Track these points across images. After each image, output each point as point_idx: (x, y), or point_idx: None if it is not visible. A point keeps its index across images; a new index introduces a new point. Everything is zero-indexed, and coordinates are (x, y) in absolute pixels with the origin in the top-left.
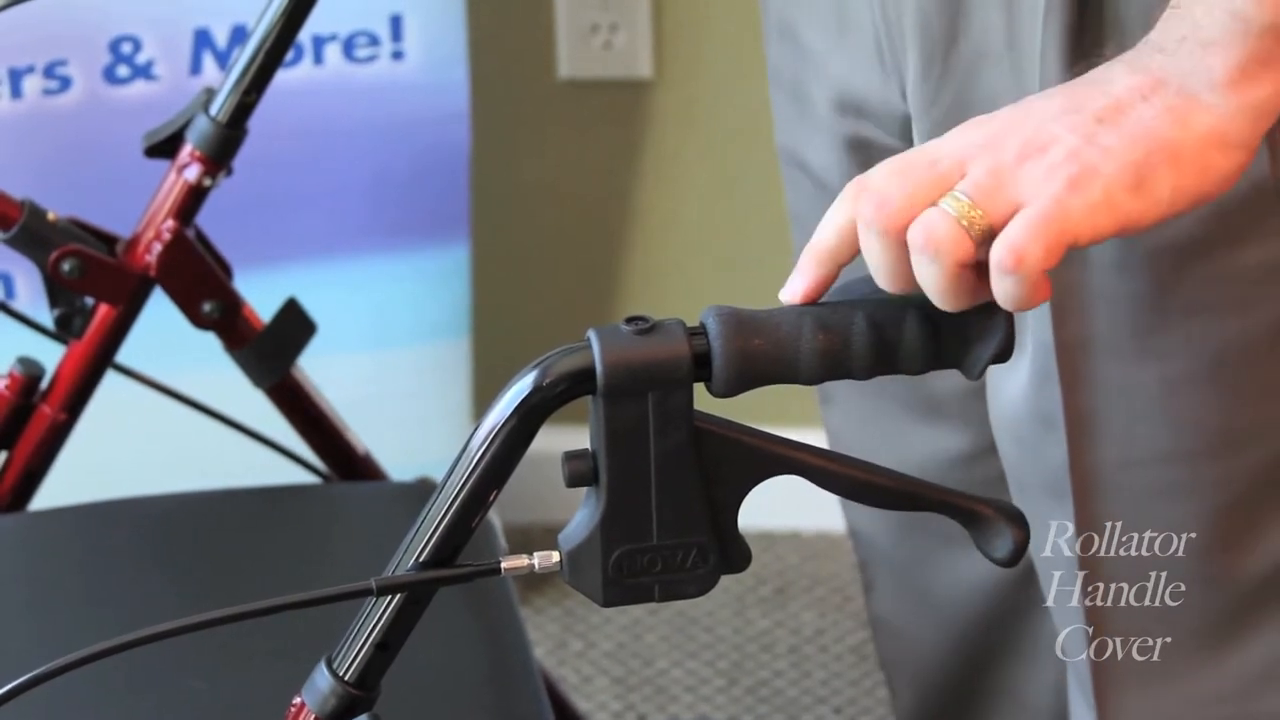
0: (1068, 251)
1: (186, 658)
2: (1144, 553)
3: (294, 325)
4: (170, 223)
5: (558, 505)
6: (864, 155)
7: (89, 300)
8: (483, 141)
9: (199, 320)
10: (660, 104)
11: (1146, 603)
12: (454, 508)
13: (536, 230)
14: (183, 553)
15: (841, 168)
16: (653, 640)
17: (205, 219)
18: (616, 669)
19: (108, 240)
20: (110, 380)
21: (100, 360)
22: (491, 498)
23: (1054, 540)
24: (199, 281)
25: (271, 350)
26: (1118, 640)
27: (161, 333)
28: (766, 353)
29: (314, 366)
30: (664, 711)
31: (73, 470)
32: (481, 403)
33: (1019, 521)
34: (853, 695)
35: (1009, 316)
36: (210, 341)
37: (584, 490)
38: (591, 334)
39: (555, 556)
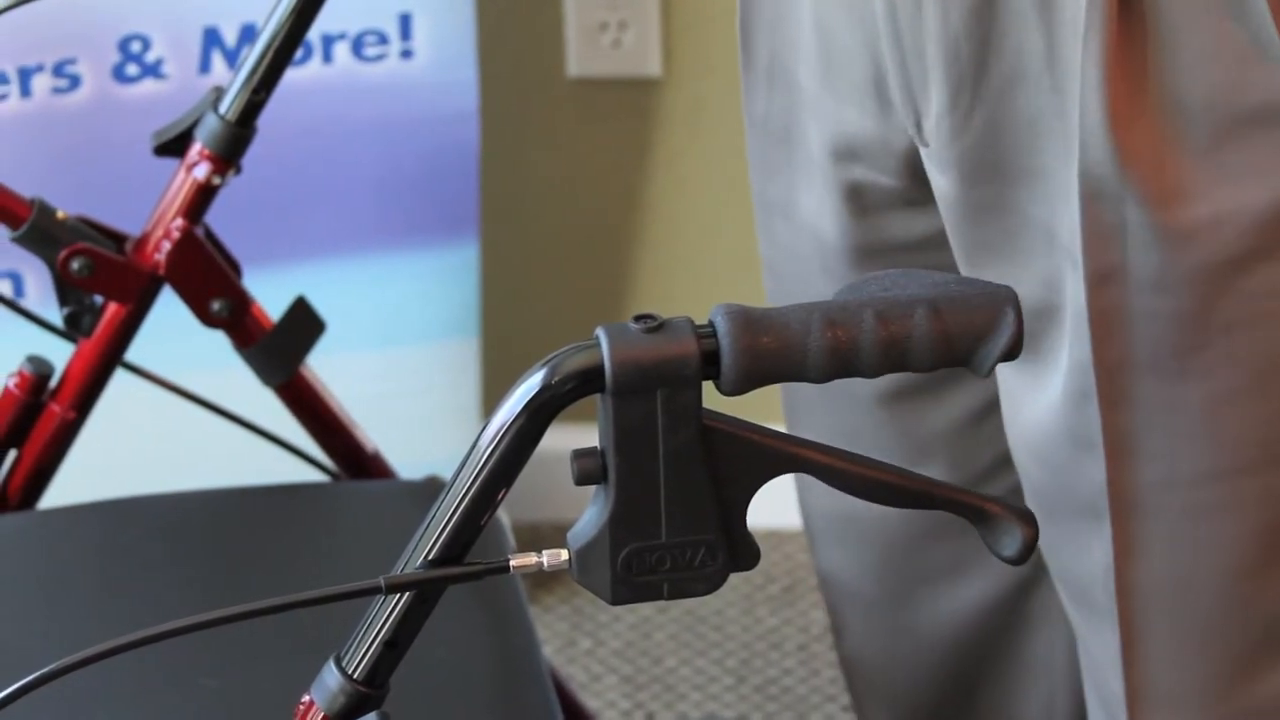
0: (1110, 272)
1: (196, 655)
2: (1182, 573)
3: (303, 324)
4: (179, 221)
5: (567, 503)
6: (859, 201)
7: (98, 299)
8: (492, 140)
9: (208, 319)
10: (669, 102)
11: (1184, 623)
12: (463, 506)
13: (545, 229)
14: (192, 551)
15: (837, 215)
16: (661, 638)
17: (214, 217)
18: (625, 667)
19: (117, 239)
20: (119, 379)
21: (109, 359)
22: (500, 496)
23: (1088, 562)
24: (208, 280)
25: (280, 349)
26: (1152, 661)
27: (171, 331)
28: (775, 351)
29: (323, 365)
30: (672, 709)
31: (82, 468)
32: (490, 401)
33: (1028, 520)
34: None
35: (1018, 313)
36: (219, 340)
37: (593, 488)
38: (600, 332)
39: (564, 555)
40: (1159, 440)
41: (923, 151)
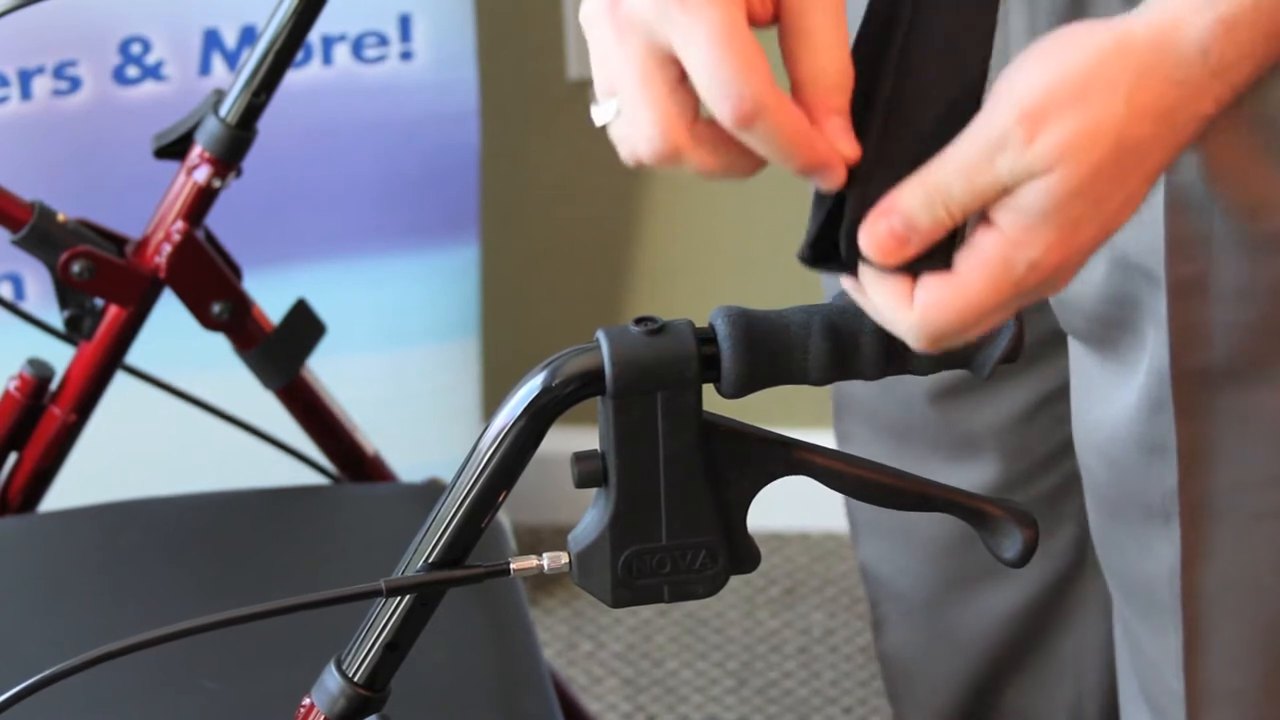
0: (1193, 283)
1: (197, 658)
2: (1249, 574)
3: (303, 326)
4: (180, 224)
5: (567, 506)
6: None
7: (99, 301)
8: (492, 142)
9: (208, 321)
10: None
11: (1248, 624)
12: (463, 508)
13: (546, 230)
14: (193, 554)
15: None
16: (662, 641)
17: (215, 220)
18: (626, 670)
19: (117, 241)
20: (120, 381)
21: (110, 361)
22: (501, 498)
23: (1152, 562)
24: (208, 283)
25: (281, 351)
26: (1214, 661)
27: (171, 334)
28: (775, 353)
29: (324, 367)
30: (673, 712)
31: (83, 471)
32: (491, 403)
33: (1028, 522)
34: (862, 695)
35: (1019, 317)
36: (220, 343)
37: (593, 491)
38: (601, 334)
39: (564, 557)
40: (1232, 445)
41: None
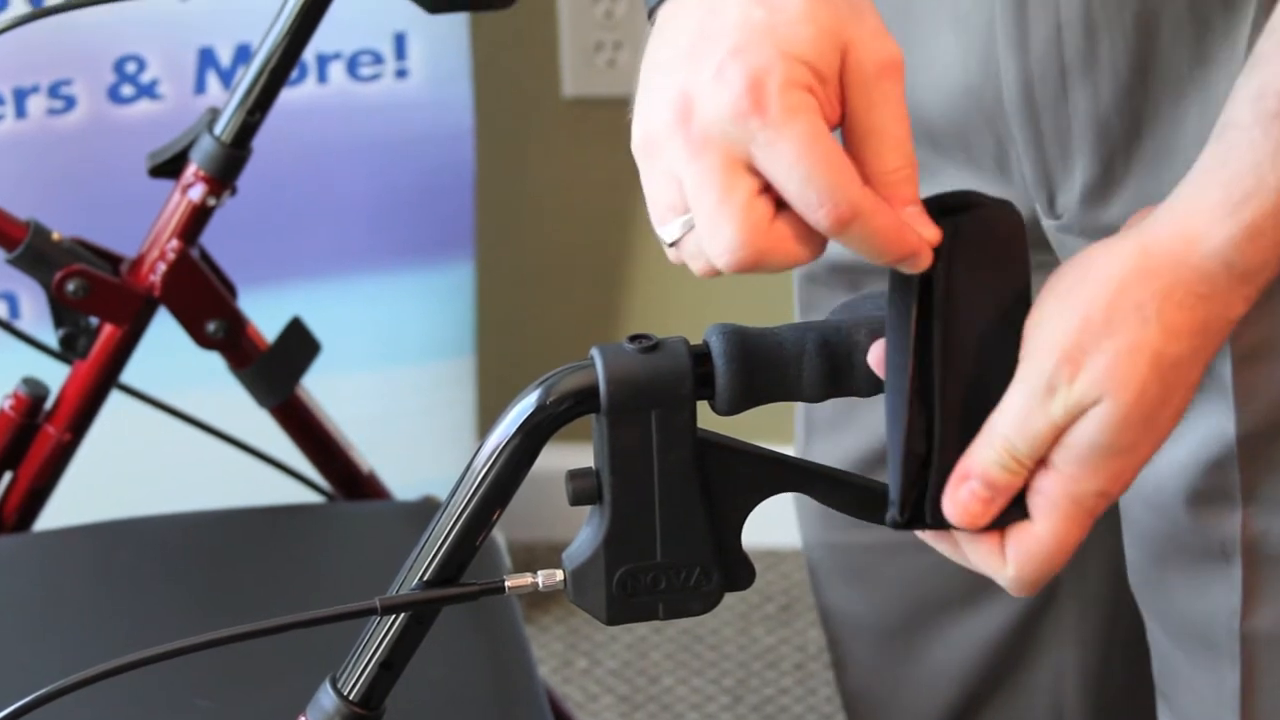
0: (1255, 347)
1: (192, 676)
2: None
3: (298, 344)
4: (175, 242)
5: (563, 523)
6: None
7: (94, 320)
8: (487, 159)
9: (203, 340)
10: None
11: None
12: (458, 526)
13: (541, 248)
14: (188, 572)
15: None
16: (658, 658)
17: (209, 238)
18: (622, 687)
19: (112, 260)
20: (115, 400)
21: (105, 380)
22: (495, 516)
23: (1206, 603)
24: (203, 301)
25: (276, 370)
26: (1271, 701)
27: (166, 352)
28: (769, 370)
29: (318, 385)
30: None
31: (78, 490)
32: (486, 421)
33: None
34: None
35: None
36: (215, 361)
37: (588, 509)
38: (595, 352)
39: (559, 575)
40: None
41: (1048, 224)
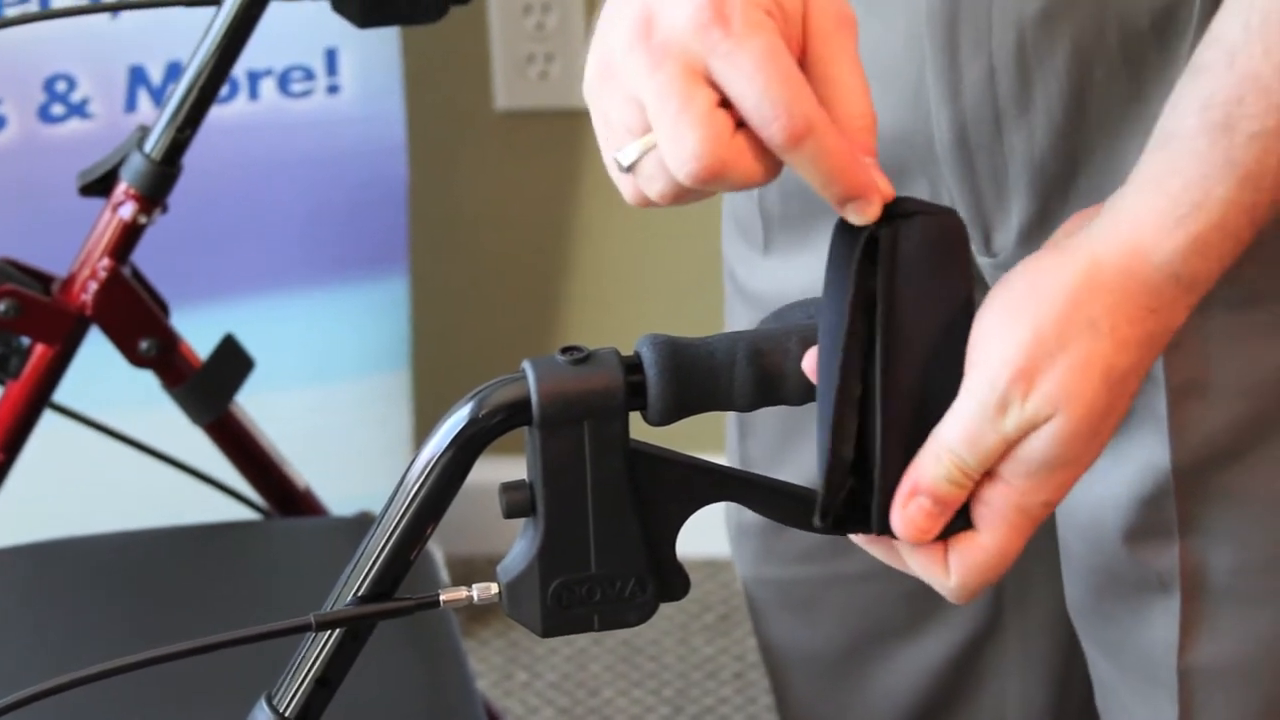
0: (1193, 383)
1: (128, 697)
2: (1249, 652)
3: (231, 362)
4: (106, 261)
5: (501, 536)
6: None
7: (25, 340)
8: (420, 173)
9: (136, 358)
10: None
11: (1245, 702)
12: (392, 541)
13: (475, 261)
14: (123, 592)
15: None
16: (597, 670)
17: (141, 256)
18: (562, 699)
19: (43, 280)
20: (48, 420)
21: (37, 400)
22: (429, 530)
23: (1147, 635)
24: (136, 320)
25: (209, 387)
26: None
27: (99, 371)
28: (701, 380)
29: (253, 402)
30: None
31: (11, 511)
32: (422, 435)
33: None
34: None
35: None
36: (148, 380)
37: (523, 521)
38: (526, 365)
39: (494, 588)
40: (1234, 527)
41: (983, 261)
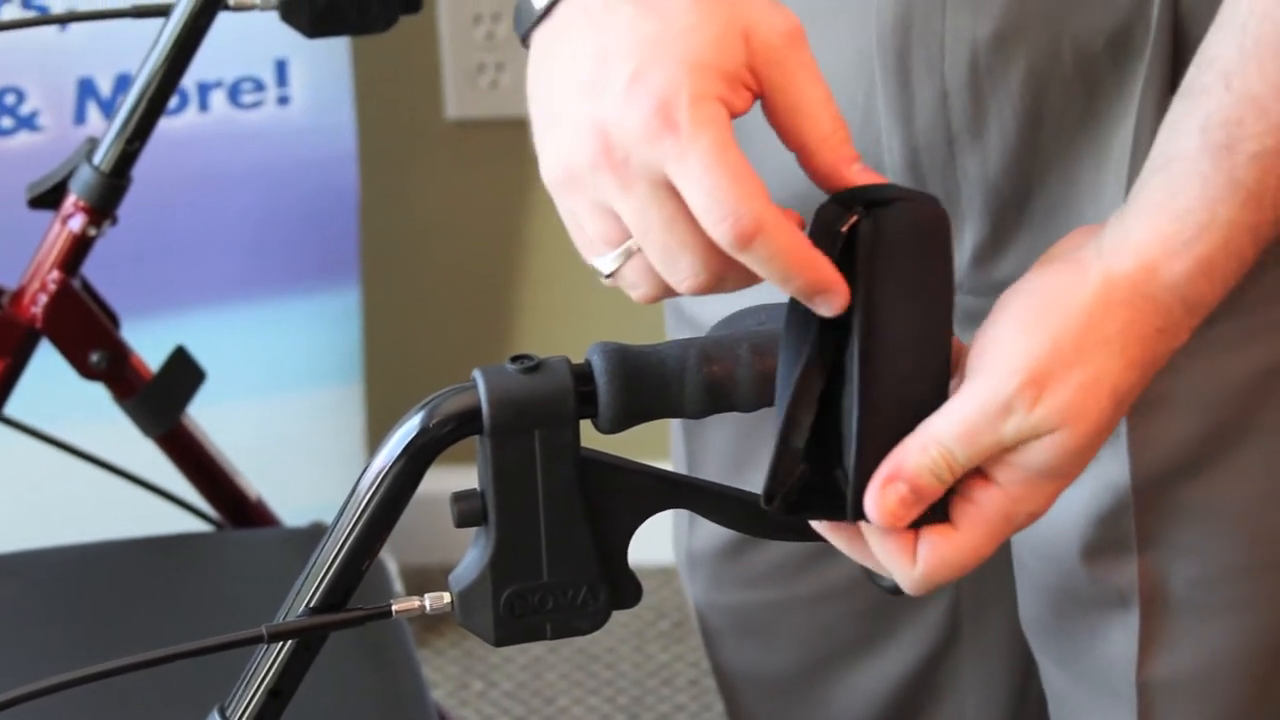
0: (1151, 400)
1: (79, 712)
2: (1207, 663)
3: (182, 373)
4: (55, 274)
5: (455, 546)
6: None
7: None
8: (371, 184)
9: (87, 371)
10: None
11: (1205, 713)
12: (344, 551)
13: (427, 271)
14: (75, 605)
15: None
16: (553, 678)
17: (91, 268)
18: (518, 708)
19: None
20: None
21: None
22: (381, 540)
23: (1107, 649)
24: (86, 332)
25: (160, 399)
26: None
27: (49, 384)
28: (651, 388)
29: (205, 414)
30: None
31: None
32: (375, 446)
33: None
34: None
35: None
36: (99, 392)
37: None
38: (477, 374)
39: (446, 598)
40: (1193, 540)
41: None
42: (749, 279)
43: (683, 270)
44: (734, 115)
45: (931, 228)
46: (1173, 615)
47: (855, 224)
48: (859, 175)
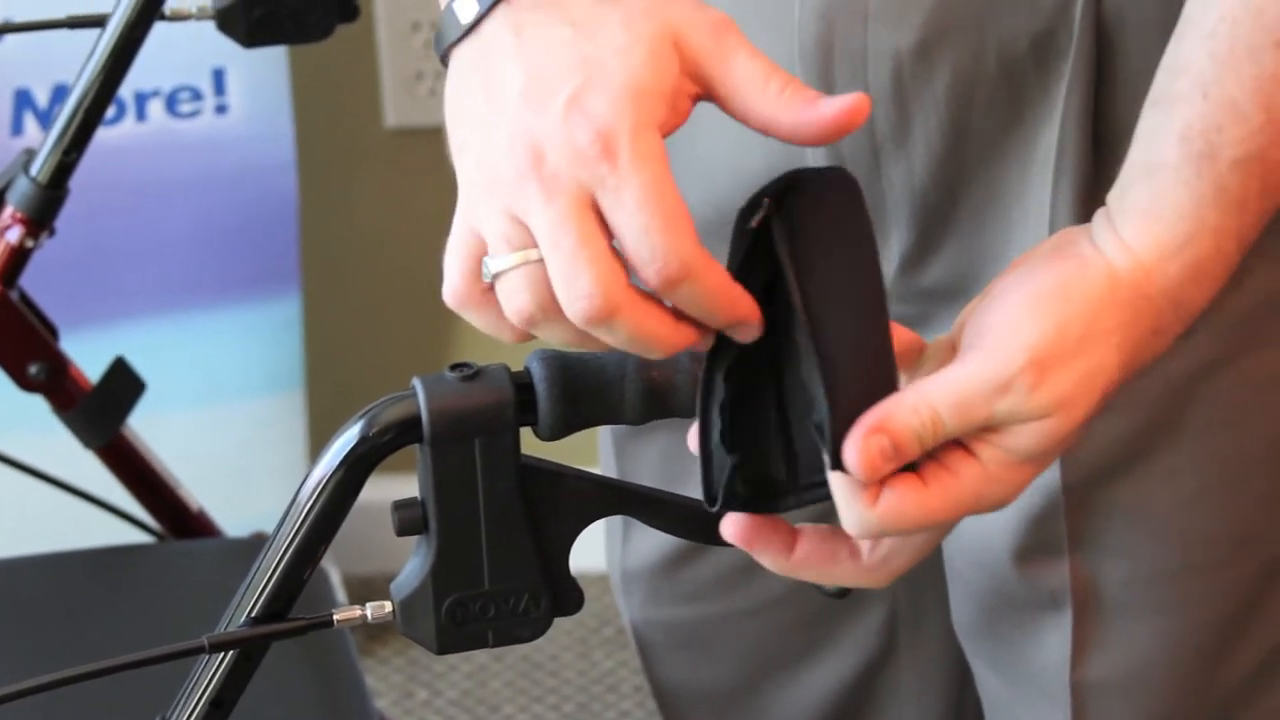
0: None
1: None
2: (1140, 664)
3: (122, 384)
4: None
5: (399, 555)
6: None
7: None
8: (311, 192)
9: (25, 383)
10: None
11: (1138, 713)
12: (284, 561)
13: (368, 279)
14: (15, 618)
15: None
16: (498, 686)
17: (30, 279)
18: (463, 716)
19: None
20: None
21: None
22: (322, 550)
23: (1040, 652)
24: (24, 344)
25: (100, 411)
26: None
27: None
28: (591, 394)
29: (146, 425)
30: None
31: None
32: (317, 455)
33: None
34: None
35: None
36: (38, 404)
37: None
38: (416, 382)
39: (388, 606)
40: (1124, 540)
41: None
42: (637, 329)
43: (580, 289)
44: (675, 128)
45: (838, 197)
46: (1105, 616)
47: (766, 218)
48: (827, 107)
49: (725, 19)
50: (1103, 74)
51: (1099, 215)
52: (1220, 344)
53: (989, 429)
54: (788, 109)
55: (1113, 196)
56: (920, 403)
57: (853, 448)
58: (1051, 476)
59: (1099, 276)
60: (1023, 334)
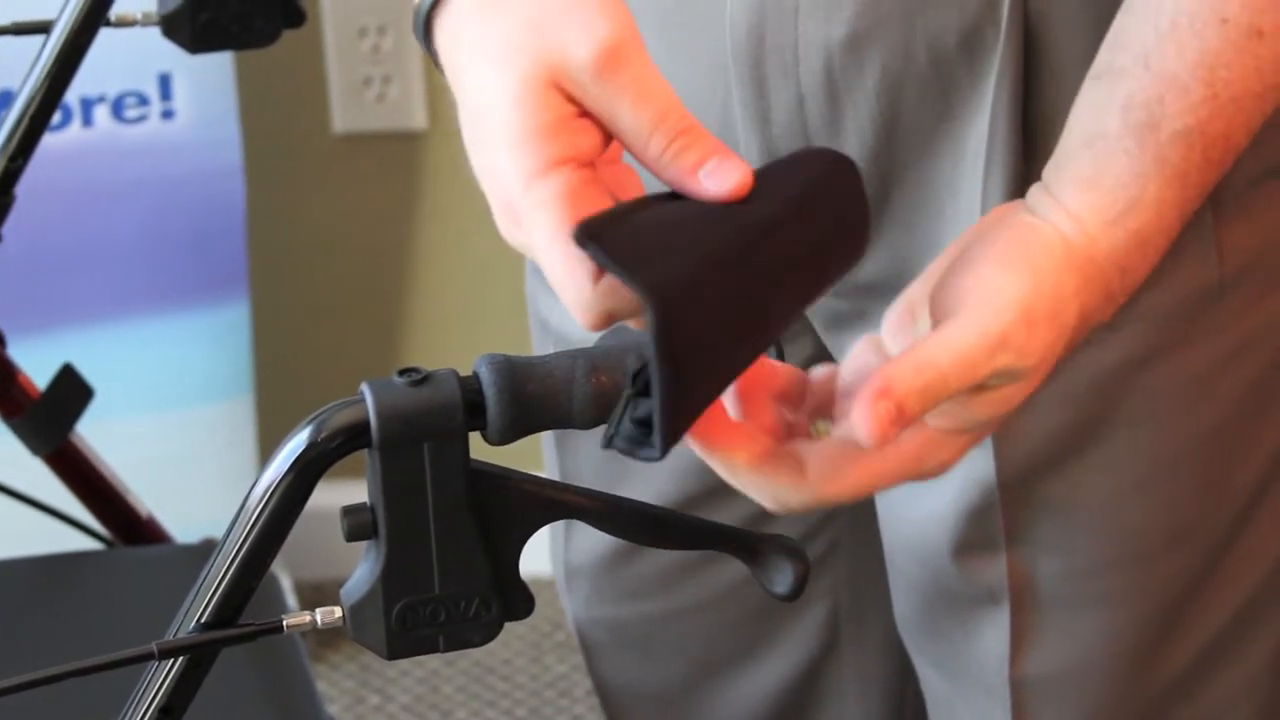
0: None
1: None
2: (1078, 657)
3: (70, 391)
4: None
5: (351, 561)
6: None
7: None
8: (258, 198)
9: None
10: (436, 154)
11: (1076, 706)
12: (234, 567)
13: (316, 285)
14: None
15: None
16: (450, 691)
17: None
18: None
19: None
20: None
21: None
22: (271, 555)
23: (979, 647)
24: None
25: (48, 418)
26: None
27: None
28: (540, 398)
29: (95, 431)
30: None
31: None
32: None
33: (799, 556)
34: None
35: (780, 354)
36: None
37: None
38: (365, 387)
39: (338, 612)
40: (1059, 535)
41: None
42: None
43: (569, 305)
44: (593, 149)
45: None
46: (1042, 611)
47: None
48: (707, 182)
49: (609, 52)
50: (1030, 69)
51: (1035, 189)
52: (1151, 338)
53: (978, 389)
54: (667, 173)
55: (1049, 169)
56: (923, 364)
57: (863, 415)
58: (987, 471)
59: (1054, 240)
60: (1006, 290)
